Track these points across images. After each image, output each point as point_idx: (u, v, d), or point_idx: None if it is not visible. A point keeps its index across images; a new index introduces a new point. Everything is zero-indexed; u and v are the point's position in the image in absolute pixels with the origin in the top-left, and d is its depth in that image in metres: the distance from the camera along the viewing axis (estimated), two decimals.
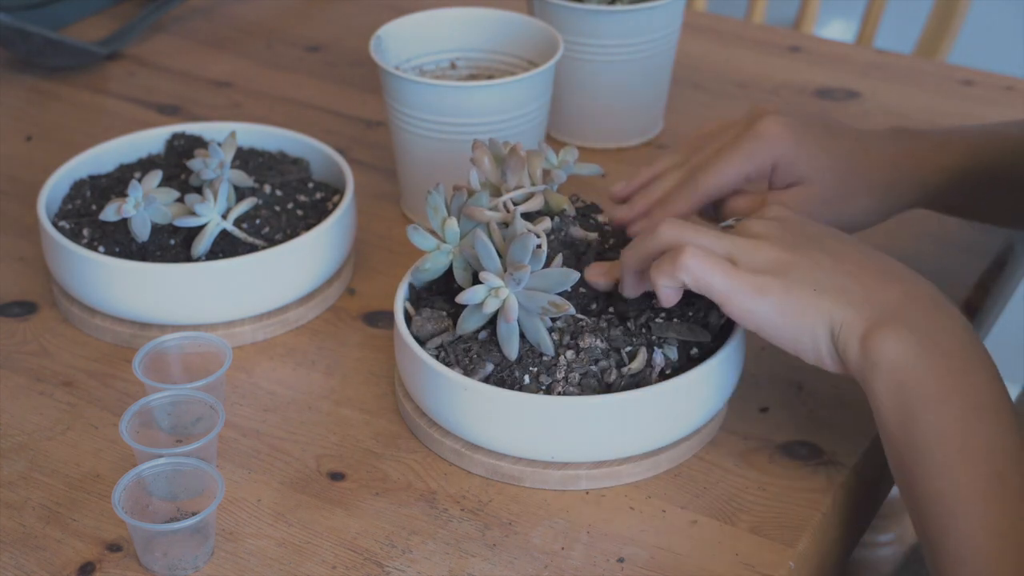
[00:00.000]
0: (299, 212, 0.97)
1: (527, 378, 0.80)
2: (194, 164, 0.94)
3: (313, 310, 0.96)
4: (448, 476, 0.82)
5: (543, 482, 0.81)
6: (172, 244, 0.93)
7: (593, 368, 0.80)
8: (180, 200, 0.93)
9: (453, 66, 1.10)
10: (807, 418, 0.86)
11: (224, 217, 0.93)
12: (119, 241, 0.93)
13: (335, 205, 0.98)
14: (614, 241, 0.88)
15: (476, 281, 0.80)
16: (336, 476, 0.82)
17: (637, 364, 0.80)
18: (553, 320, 0.81)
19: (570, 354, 0.80)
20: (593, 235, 0.87)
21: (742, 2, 1.89)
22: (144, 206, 0.91)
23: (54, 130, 1.20)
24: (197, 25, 1.39)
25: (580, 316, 0.82)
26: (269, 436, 0.85)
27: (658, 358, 0.80)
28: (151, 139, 1.04)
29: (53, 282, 0.97)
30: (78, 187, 0.99)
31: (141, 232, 0.91)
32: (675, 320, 0.82)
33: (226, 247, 0.93)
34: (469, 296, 0.79)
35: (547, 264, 0.80)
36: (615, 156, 1.14)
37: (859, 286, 0.75)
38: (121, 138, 1.03)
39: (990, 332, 1.03)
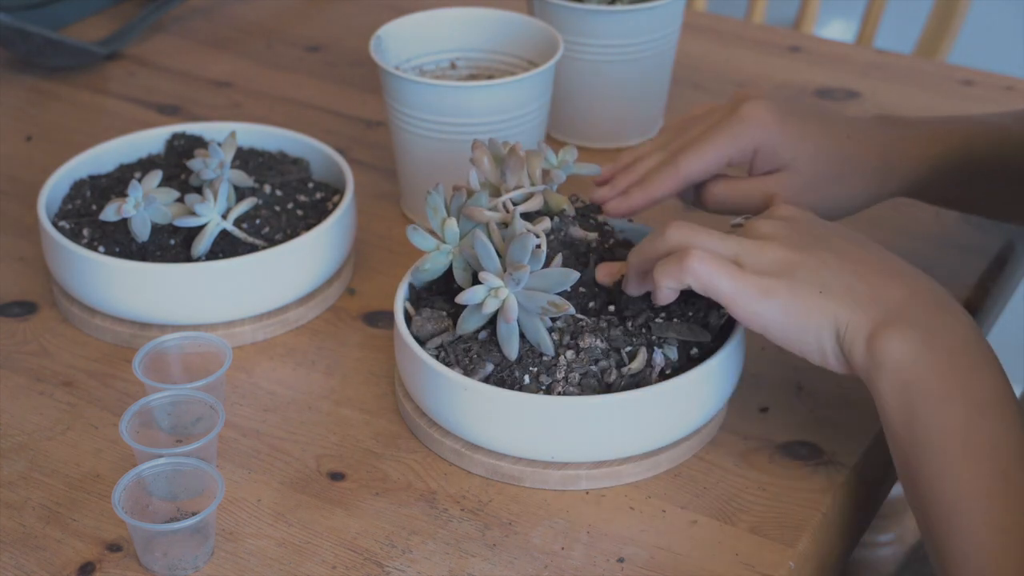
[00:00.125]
0: (299, 212, 0.97)
1: (527, 378, 0.80)
2: (194, 164, 0.94)
3: (313, 310, 0.96)
4: (448, 476, 0.82)
5: (543, 482, 0.81)
6: (172, 244, 0.93)
7: (593, 368, 0.80)
8: (180, 200, 0.93)
9: (453, 66, 1.10)
10: (807, 418, 0.86)
11: (224, 217, 0.93)
12: (119, 241, 0.93)
13: (335, 205, 0.98)
14: (614, 241, 0.88)
15: (476, 281, 0.80)
16: (336, 476, 0.82)
17: (637, 364, 0.80)
18: (553, 320, 0.81)
19: (570, 354, 0.80)
20: (593, 235, 0.87)
21: (742, 2, 1.89)
22: (144, 206, 0.91)
23: (54, 130, 1.20)
24: (197, 25, 1.39)
25: (580, 316, 0.82)
26: (269, 436, 0.85)
27: (658, 358, 0.80)
28: (151, 139, 1.04)
29: (53, 282, 0.97)
30: (78, 187, 0.99)
31: (141, 232, 0.91)
32: (675, 320, 0.82)
33: (226, 247, 0.93)
34: (469, 296, 0.79)
35: (546, 264, 0.80)
36: (615, 156, 1.14)
37: (865, 286, 0.75)
38: (121, 138, 1.03)
39: (990, 332, 1.03)
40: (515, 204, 0.86)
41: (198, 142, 1.03)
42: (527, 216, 0.86)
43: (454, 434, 0.83)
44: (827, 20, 2.23)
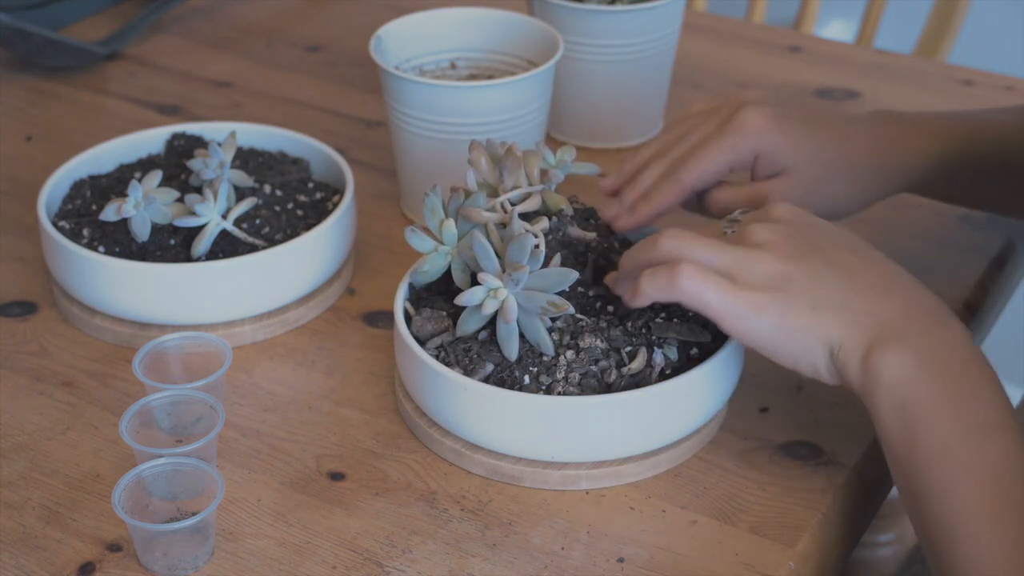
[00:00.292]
0: (299, 212, 0.97)
1: (527, 378, 0.80)
2: (194, 164, 0.94)
3: (313, 310, 0.96)
4: (448, 476, 0.82)
5: (543, 482, 0.81)
6: (172, 244, 0.93)
7: (593, 368, 0.80)
8: (180, 200, 0.93)
9: (453, 66, 1.10)
10: (807, 418, 0.86)
11: (224, 217, 0.93)
12: (119, 241, 0.93)
13: (335, 205, 0.98)
14: (613, 241, 0.88)
15: (475, 282, 0.80)
16: (336, 476, 0.82)
17: (637, 364, 0.80)
18: (553, 320, 0.81)
19: (570, 354, 0.80)
20: (592, 235, 0.87)
21: (742, 2, 1.89)
22: (144, 206, 0.91)
23: (54, 130, 1.20)
24: (197, 25, 1.39)
25: (580, 316, 0.82)
26: (269, 436, 0.85)
27: (658, 358, 0.80)
28: (151, 139, 1.04)
29: (53, 282, 0.97)
30: (78, 187, 0.99)
31: (141, 232, 0.91)
32: (675, 320, 0.82)
33: (226, 247, 0.93)
34: (468, 298, 0.79)
35: (545, 264, 0.80)
36: (615, 156, 1.14)
37: (859, 300, 0.74)
38: (121, 138, 1.03)
39: (990, 332, 1.03)
40: (513, 204, 0.86)
41: (198, 142, 1.03)
42: (525, 216, 0.86)
43: (454, 434, 0.83)
44: (827, 20, 2.23)
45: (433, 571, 0.76)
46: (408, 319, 0.85)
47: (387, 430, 0.86)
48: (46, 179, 0.99)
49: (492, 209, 0.84)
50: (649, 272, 0.76)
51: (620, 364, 0.80)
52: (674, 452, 0.82)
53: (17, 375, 0.90)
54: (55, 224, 0.95)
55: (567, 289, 0.80)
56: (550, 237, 0.85)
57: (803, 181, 0.88)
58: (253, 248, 0.93)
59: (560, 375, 0.79)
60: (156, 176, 0.94)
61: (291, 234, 0.95)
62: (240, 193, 0.96)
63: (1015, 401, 0.95)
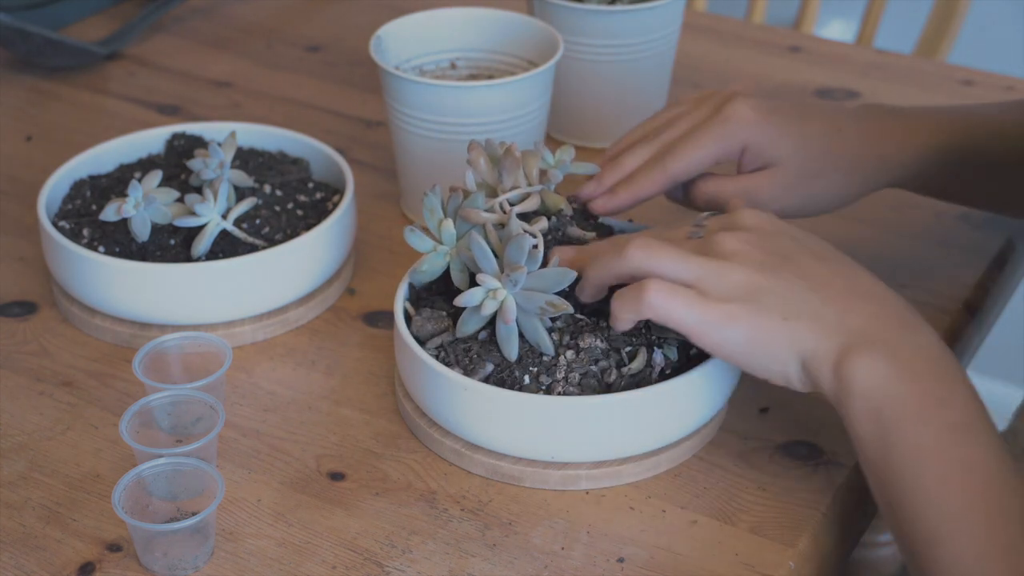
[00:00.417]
0: (299, 212, 0.97)
1: (527, 378, 0.80)
2: (194, 164, 0.94)
3: (313, 310, 0.96)
4: (448, 476, 0.82)
5: (543, 482, 0.81)
6: (172, 244, 0.93)
7: (593, 368, 0.80)
8: (180, 200, 0.93)
9: (453, 66, 1.10)
10: (807, 418, 0.86)
11: (224, 217, 0.93)
12: (119, 241, 0.93)
13: (335, 205, 0.98)
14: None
15: (474, 283, 0.80)
16: (336, 476, 0.82)
17: (637, 364, 0.80)
18: (553, 320, 0.81)
19: (570, 354, 0.80)
20: (591, 234, 0.87)
21: (742, 2, 1.89)
22: (144, 206, 0.91)
23: (54, 130, 1.20)
24: (197, 25, 1.39)
25: (580, 316, 0.82)
26: (269, 436, 0.85)
27: (658, 358, 0.80)
28: (151, 139, 1.04)
29: (53, 282, 0.97)
30: (78, 187, 0.99)
31: (141, 232, 0.91)
32: None
33: (226, 247, 0.93)
34: (467, 299, 0.79)
35: (544, 264, 0.80)
36: None
37: (830, 309, 0.73)
38: (121, 138, 1.03)
39: (990, 332, 1.03)
40: (512, 205, 0.86)
41: (198, 142, 1.03)
42: (524, 216, 0.86)
43: (454, 434, 0.83)
44: (827, 20, 2.23)
45: (433, 571, 0.76)
46: (408, 319, 0.85)
47: (387, 430, 0.86)
48: (46, 179, 0.99)
49: (491, 209, 0.84)
50: (617, 296, 0.77)
51: (620, 364, 0.80)
52: (674, 452, 0.82)
53: (17, 375, 0.90)
54: (55, 224, 0.95)
55: (566, 289, 0.80)
56: (549, 237, 0.85)
57: (791, 174, 0.88)
58: (253, 248, 0.93)
59: (560, 375, 0.79)
60: (156, 176, 0.94)
61: (291, 234, 0.95)
62: (240, 193, 0.96)
63: (1015, 401, 0.95)
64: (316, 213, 0.98)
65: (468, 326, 0.81)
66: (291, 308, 0.95)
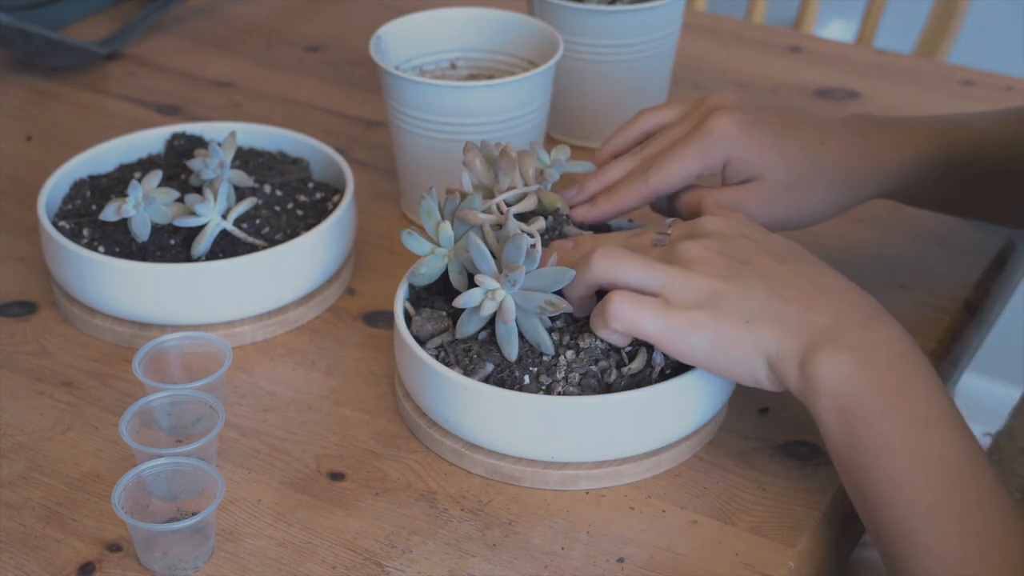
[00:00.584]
0: (299, 212, 0.97)
1: (527, 378, 0.80)
2: (194, 164, 0.94)
3: (313, 310, 0.96)
4: (448, 476, 0.82)
5: (543, 482, 0.81)
6: (172, 244, 0.93)
7: (593, 368, 0.80)
8: (180, 200, 0.93)
9: (453, 66, 1.10)
10: (807, 418, 0.86)
11: (224, 217, 0.93)
12: (119, 241, 0.93)
13: (335, 205, 0.98)
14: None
15: (472, 284, 0.80)
16: (336, 476, 0.82)
17: (637, 364, 0.80)
18: (553, 320, 0.81)
19: (570, 354, 0.80)
20: (588, 233, 0.87)
21: (742, 2, 1.89)
22: (144, 206, 0.91)
23: (54, 130, 1.20)
24: (197, 25, 1.39)
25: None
26: (269, 436, 0.85)
27: (658, 358, 0.80)
28: (151, 139, 1.04)
29: (53, 282, 0.97)
30: (78, 187, 0.99)
31: (141, 232, 0.91)
32: None
33: (226, 247, 0.93)
34: (466, 300, 0.79)
35: (542, 263, 0.80)
36: None
37: (792, 309, 0.74)
38: (121, 138, 1.03)
39: (990, 332, 1.03)
40: (509, 205, 0.86)
41: (198, 142, 1.03)
42: (522, 216, 0.86)
43: (454, 434, 0.83)
44: (827, 20, 2.23)
45: (433, 571, 0.76)
46: (408, 319, 0.85)
47: (387, 430, 0.86)
48: (46, 179, 0.99)
49: (488, 210, 0.84)
50: (592, 319, 0.78)
51: (620, 364, 0.80)
52: (674, 452, 0.82)
53: (17, 375, 0.90)
54: (55, 224, 0.95)
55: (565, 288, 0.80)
56: (547, 237, 0.85)
57: (775, 188, 0.88)
58: (253, 248, 0.93)
59: (560, 375, 0.79)
60: (156, 176, 0.94)
61: (291, 234, 0.95)
62: (240, 193, 0.96)
63: (1015, 401, 0.95)
64: (316, 213, 0.98)
65: (468, 327, 0.81)
66: (291, 308, 0.95)
